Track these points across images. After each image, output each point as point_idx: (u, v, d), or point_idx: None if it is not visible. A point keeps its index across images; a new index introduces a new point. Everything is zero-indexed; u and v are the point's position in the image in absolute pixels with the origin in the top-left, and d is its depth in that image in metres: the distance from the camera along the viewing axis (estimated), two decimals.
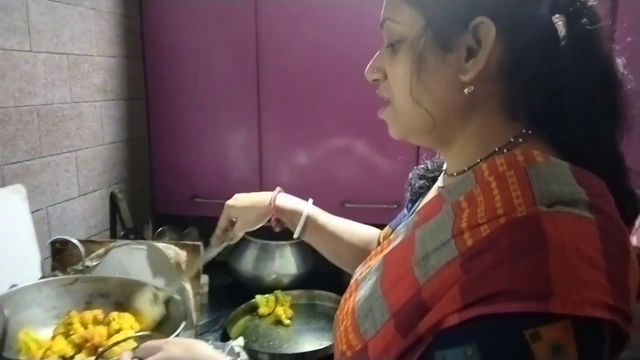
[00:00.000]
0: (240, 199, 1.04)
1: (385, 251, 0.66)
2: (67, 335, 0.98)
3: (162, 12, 1.63)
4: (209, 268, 1.30)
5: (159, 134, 1.72)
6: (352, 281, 0.71)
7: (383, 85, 0.64)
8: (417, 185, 0.79)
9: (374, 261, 0.67)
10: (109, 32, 1.54)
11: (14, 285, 1.06)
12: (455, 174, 0.62)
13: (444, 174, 0.68)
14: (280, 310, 1.51)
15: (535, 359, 0.43)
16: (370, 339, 0.57)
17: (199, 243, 1.29)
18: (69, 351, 0.95)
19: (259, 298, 1.56)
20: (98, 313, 1.03)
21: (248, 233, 1.19)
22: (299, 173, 1.63)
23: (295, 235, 1.00)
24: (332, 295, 1.59)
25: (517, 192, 0.50)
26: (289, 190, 1.64)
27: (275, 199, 1.01)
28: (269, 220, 1.03)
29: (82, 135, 1.45)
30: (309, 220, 0.99)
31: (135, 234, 1.55)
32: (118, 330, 0.98)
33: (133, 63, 1.65)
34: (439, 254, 0.52)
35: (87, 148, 1.47)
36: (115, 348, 0.81)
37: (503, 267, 0.46)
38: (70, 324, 0.99)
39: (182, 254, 1.26)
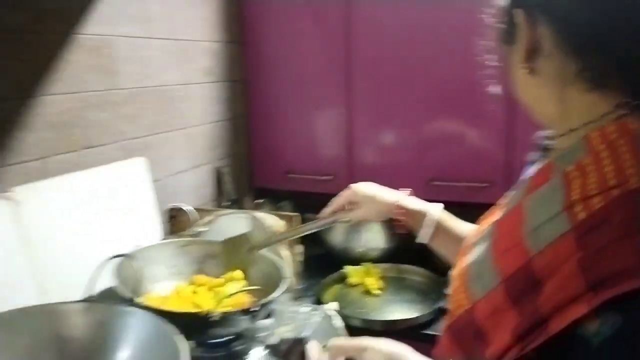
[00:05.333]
0: (367, 186, 1.02)
1: (497, 216, 0.66)
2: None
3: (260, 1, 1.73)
4: (302, 239, 1.39)
5: (258, 113, 1.83)
6: (465, 244, 0.72)
7: None
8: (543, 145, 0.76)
9: (486, 226, 0.67)
10: (213, 18, 1.66)
11: (138, 246, 1.21)
12: (560, 135, 0.62)
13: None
14: (369, 281, 1.58)
15: None
16: (478, 300, 0.58)
17: (297, 214, 1.39)
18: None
19: (348, 268, 1.63)
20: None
21: None
22: (387, 150, 1.68)
23: (420, 239, 0.94)
24: (422, 270, 1.63)
25: (629, 161, 0.50)
26: (377, 167, 1.69)
27: (401, 197, 0.98)
28: (393, 220, 0.99)
29: (191, 114, 1.59)
30: (437, 224, 0.93)
31: (236, 205, 1.69)
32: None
33: (234, 48, 1.77)
34: (551, 226, 0.52)
35: (196, 126, 1.61)
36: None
37: (621, 244, 0.46)
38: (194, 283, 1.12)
39: (281, 223, 1.36)
